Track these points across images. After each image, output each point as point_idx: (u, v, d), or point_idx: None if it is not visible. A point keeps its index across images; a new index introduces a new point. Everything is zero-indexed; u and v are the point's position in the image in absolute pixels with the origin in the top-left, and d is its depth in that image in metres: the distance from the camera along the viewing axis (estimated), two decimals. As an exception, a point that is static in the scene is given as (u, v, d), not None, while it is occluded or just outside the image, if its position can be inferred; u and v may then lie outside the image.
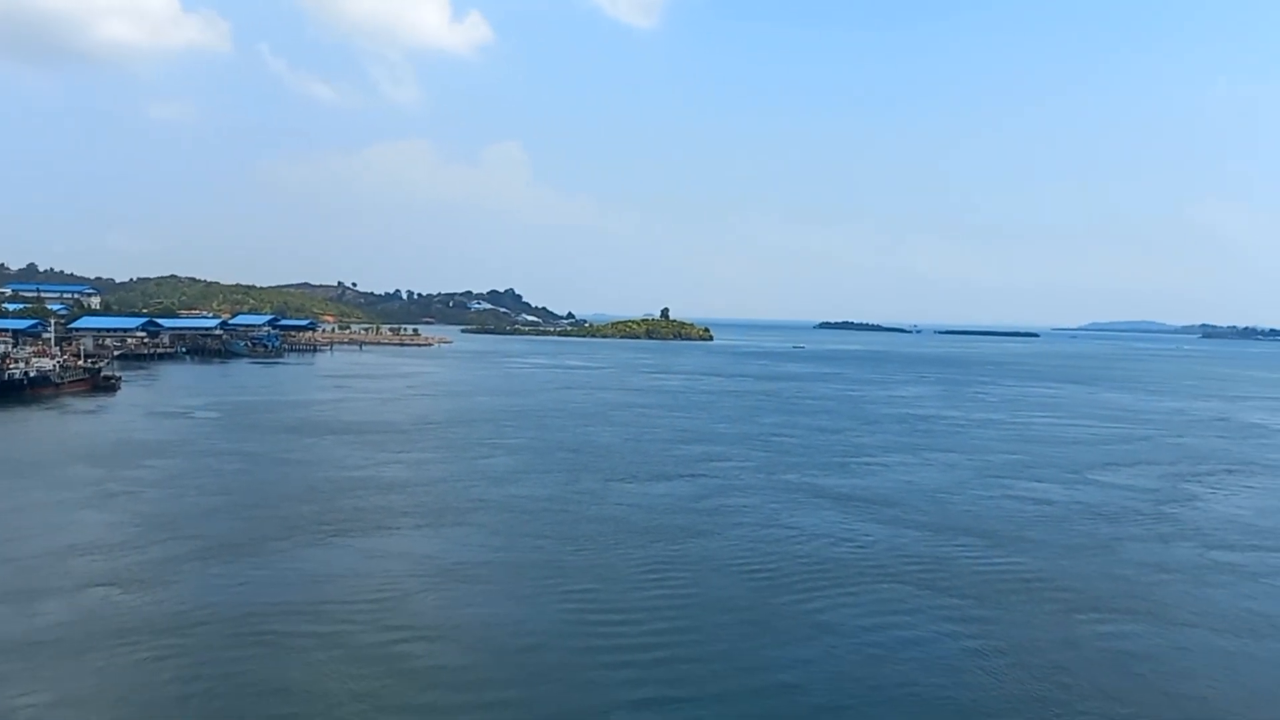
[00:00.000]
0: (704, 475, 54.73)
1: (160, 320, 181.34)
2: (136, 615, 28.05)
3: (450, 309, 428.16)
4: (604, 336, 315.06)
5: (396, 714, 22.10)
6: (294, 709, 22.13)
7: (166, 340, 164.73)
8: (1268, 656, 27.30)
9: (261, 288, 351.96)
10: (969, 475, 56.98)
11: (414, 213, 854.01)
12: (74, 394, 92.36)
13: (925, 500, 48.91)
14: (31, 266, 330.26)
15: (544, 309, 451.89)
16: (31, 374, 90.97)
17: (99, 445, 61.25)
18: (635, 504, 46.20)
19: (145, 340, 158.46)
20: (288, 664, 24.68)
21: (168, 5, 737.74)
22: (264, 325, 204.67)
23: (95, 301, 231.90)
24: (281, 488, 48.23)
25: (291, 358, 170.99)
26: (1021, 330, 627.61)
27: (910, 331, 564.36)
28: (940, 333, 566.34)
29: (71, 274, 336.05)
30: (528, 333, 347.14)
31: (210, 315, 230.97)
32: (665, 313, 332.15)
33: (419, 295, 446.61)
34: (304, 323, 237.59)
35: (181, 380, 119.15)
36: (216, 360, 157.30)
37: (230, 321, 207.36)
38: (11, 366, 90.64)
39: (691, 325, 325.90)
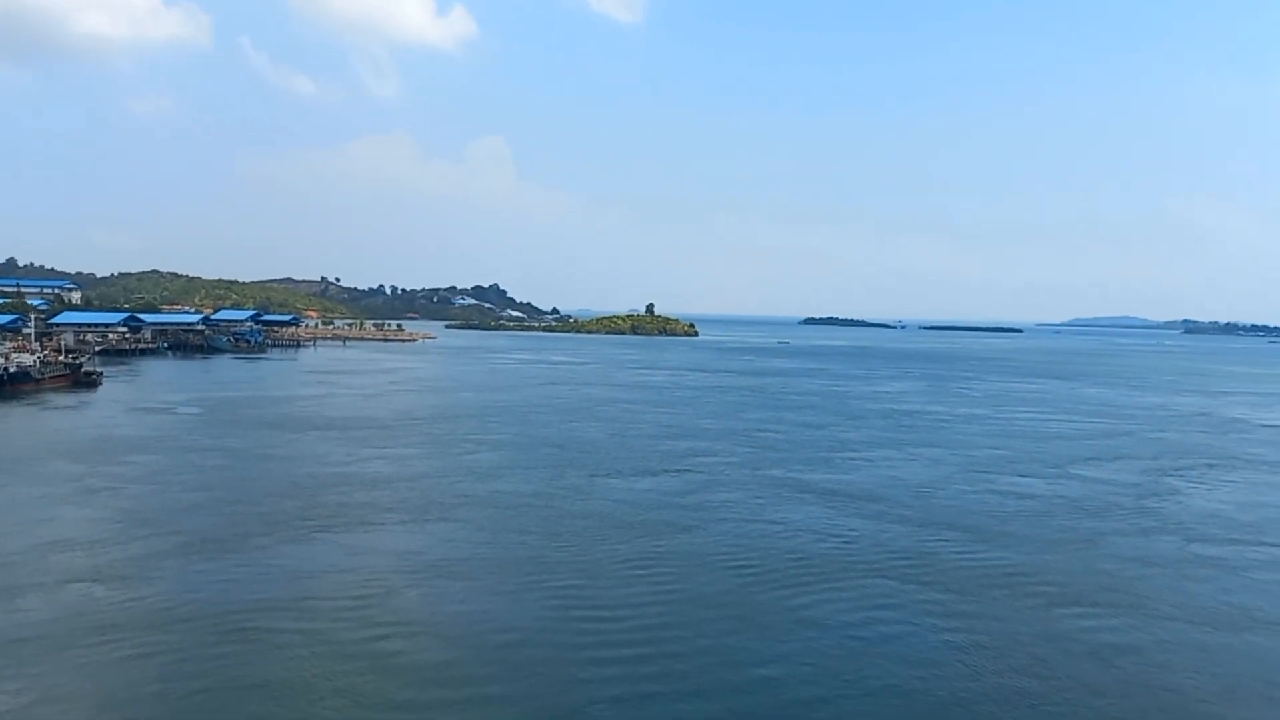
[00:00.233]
0: (689, 470, 54.78)
1: (142, 315, 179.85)
2: (118, 611, 27.88)
3: (434, 304, 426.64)
4: (589, 332, 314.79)
5: (379, 710, 22.04)
6: (276, 705, 22.04)
7: (148, 336, 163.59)
8: (1246, 649, 27.56)
9: (244, 283, 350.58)
10: (952, 470, 57.25)
11: (398, 208, 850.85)
12: (55, 390, 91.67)
13: (909, 495, 49.10)
14: (11, 261, 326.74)
15: (529, 304, 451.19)
16: (11, 369, 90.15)
17: (80, 441, 60.81)
18: (620, 499, 46.20)
19: (127, 336, 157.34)
20: (270, 660, 24.57)
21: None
22: (247, 321, 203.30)
23: (76, 297, 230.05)
24: (264, 483, 48.00)
25: (274, 353, 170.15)
26: (1005, 326, 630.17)
27: (895, 327, 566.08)
28: (925, 328, 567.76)
29: (52, 269, 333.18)
30: (512, 328, 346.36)
31: (192, 310, 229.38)
32: (650, 308, 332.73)
33: (403, 291, 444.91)
34: (287, 318, 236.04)
35: (163, 376, 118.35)
36: (199, 356, 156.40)
37: (212, 317, 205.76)
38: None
39: (676, 321, 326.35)
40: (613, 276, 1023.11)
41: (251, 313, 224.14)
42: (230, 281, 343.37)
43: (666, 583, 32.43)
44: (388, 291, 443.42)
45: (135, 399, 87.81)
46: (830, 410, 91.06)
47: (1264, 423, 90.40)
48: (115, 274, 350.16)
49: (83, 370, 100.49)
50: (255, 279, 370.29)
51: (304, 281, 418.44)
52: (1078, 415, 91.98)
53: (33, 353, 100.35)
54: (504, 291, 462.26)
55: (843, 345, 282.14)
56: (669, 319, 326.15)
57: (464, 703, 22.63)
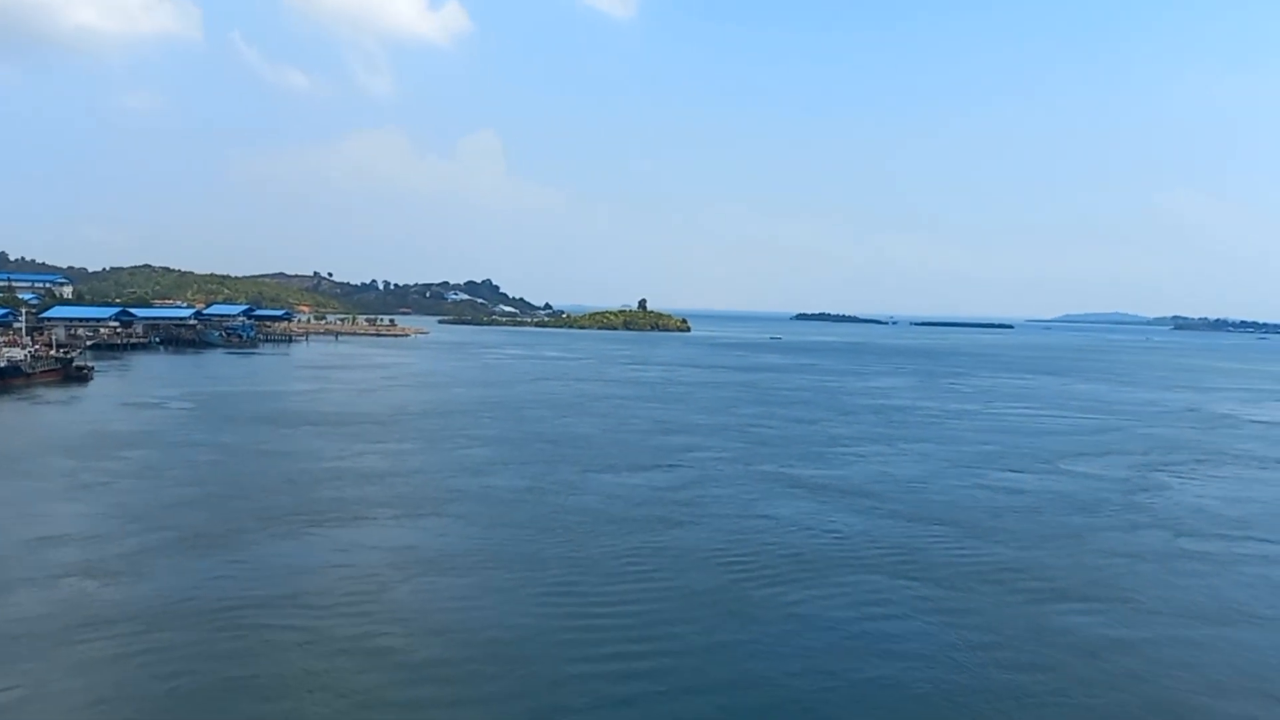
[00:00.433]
0: (681, 466, 54.92)
1: (134, 310, 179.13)
2: (111, 607, 27.89)
3: (427, 300, 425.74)
4: (581, 327, 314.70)
5: (373, 707, 22.13)
6: (269, 701, 22.10)
7: (140, 330, 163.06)
8: (1234, 643, 27.79)
9: (236, 278, 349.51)
10: (943, 465, 57.49)
11: (390, 203, 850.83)
12: (46, 384, 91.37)
13: (900, 490, 49.32)
14: (2, 256, 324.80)
15: (521, 300, 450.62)
16: (2, 364, 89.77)
17: (72, 436, 60.69)
18: (613, 495, 46.32)
19: (118, 330, 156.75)
20: (263, 656, 24.62)
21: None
22: (239, 315, 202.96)
23: (67, 291, 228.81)
24: (257, 479, 47.98)
25: (267, 348, 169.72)
26: (996, 322, 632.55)
27: (887, 323, 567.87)
28: (916, 324, 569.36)
29: (43, 263, 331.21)
30: (505, 324, 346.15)
31: (184, 305, 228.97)
32: (643, 304, 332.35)
33: (395, 286, 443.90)
34: (279, 313, 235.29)
35: (155, 370, 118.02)
36: (190, 350, 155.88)
37: (205, 311, 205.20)
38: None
39: (669, 316, 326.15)
40: (606, 272, 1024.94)
41: (244, 308, 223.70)
42: (222, 276, 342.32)
43: (659, 578, 32.55)
44: (380, 286, 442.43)
45: (127, 394, 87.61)
46: (822, 405, 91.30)
47: (1252, 418, 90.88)
48: (107, 269, 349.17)
49: (74, 365, 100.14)
50: (247, 274, 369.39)
51: (296, 276, 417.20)
52: (1068, 411, 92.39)
53: (24, 347, 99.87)
54: (497, 287, 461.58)
55: (834, 341, 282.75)
56: (661, 314, 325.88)
57: (457, 698, 22.72)
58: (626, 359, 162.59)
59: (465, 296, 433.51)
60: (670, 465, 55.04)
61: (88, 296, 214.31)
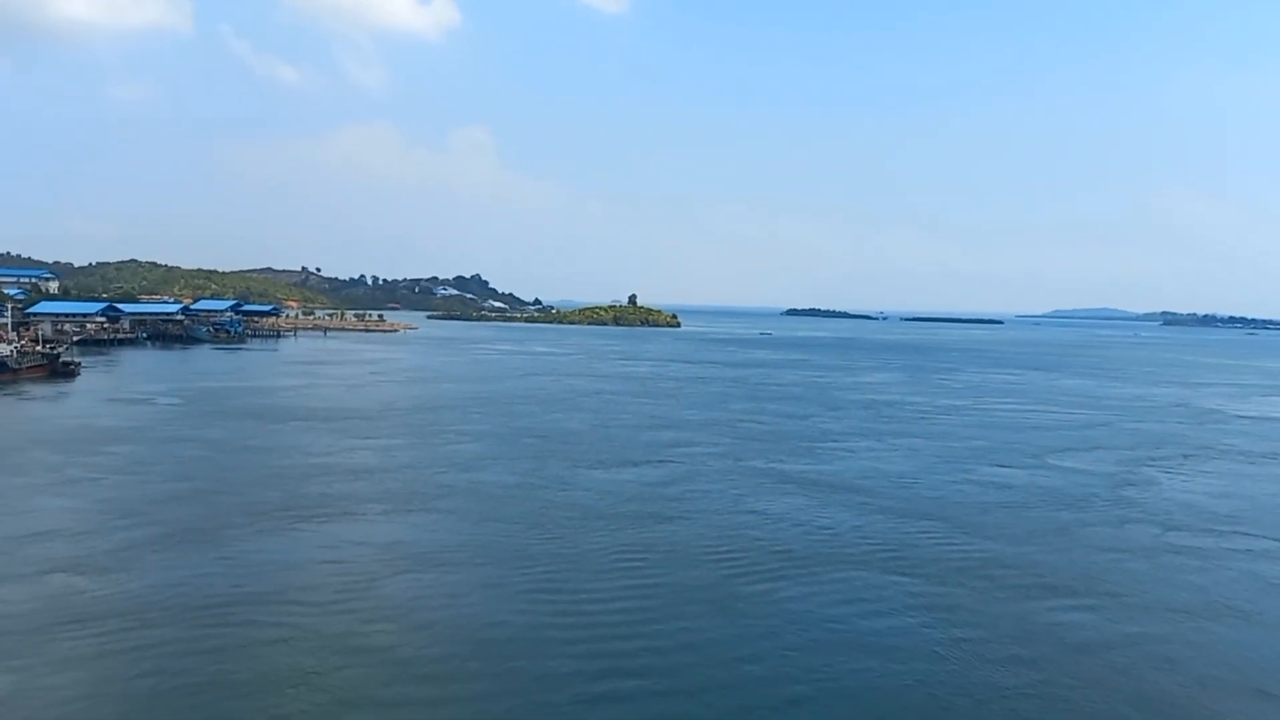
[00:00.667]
0: (671, 461, 54.88)
1: (120, 305, 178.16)
2: (98, 602, 27.71)
3: (416, 295, 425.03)
4: (571, 323, 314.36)
5: (359, 704, 22.02)
6: (256, 698, 21.97)
7: (127, 325, 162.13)
8: (1221, 638, 27.90)
9: (224, 273, 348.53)
10: (932, 460, 57.59)
11: (379, 197, 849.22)
12: (32, 380, 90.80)
13: (889, 485, 49.38)
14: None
15: (511, 295, 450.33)
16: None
17: (58, 431, 60.29)
18: (603, 490, 46.25)
19: (105, 325, 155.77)
20: (250, 652, 24.48)
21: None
22: (226, 310, 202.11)
23: (54, 286, 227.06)
24: (245, 474, 47.76)
25: (254, 343, 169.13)
26: (986, 317, 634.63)
27: (877, 318, 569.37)
28: (906, 319, 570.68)
29: (29, 258, 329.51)
30: (494, 319, 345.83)
31: (171, 300, 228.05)
32: (633, 299, 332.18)
33: (384, 281, 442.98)
34: (267, 308, 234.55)
35: (142, 366, 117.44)
36: (178, 346, 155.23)
37: (192, 307, 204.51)
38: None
39: (659, 312, 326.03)
40: (595, 267, 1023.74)
41: (231, 303, 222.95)
42: (210, 271, 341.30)
43: (648, 574, 32.49)
44: (369, 282, 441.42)
45: (114, 389, 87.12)
46: (812, 401, 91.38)
47: (1240, 413, 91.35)
48: (93, 263, 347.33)
49: (60, 360, 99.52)
50: (235, 269, 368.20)
51: (284, 271, 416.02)
52: (1056, 406, 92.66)
53: (9, 342, 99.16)
54: (486, 282, 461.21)
55: (825, 336, 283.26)
56: (651, 310, 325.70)
57: (444, 695, 22.63)
58: (616, 354, 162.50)
59: (454, 292, 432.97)
60: (659, 461, 55.00)
61: (74, 291, 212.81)
